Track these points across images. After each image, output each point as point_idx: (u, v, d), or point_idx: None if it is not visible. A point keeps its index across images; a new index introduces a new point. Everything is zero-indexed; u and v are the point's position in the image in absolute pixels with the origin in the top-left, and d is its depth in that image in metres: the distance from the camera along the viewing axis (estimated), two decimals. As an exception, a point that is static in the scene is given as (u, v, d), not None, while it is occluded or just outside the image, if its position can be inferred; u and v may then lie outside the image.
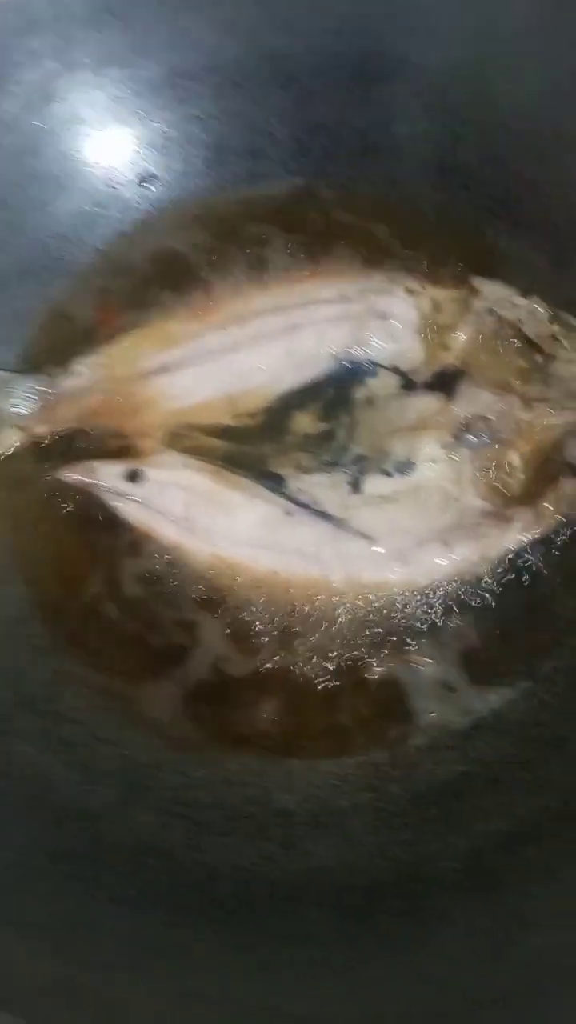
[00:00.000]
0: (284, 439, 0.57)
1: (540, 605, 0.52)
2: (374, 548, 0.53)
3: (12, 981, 0.36)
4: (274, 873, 0.44)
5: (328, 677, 0.51)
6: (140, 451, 0.57)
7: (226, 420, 0.58)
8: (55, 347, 0.60)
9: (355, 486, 0.55)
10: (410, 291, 0.58)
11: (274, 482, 0.55)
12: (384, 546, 0.53)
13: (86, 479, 0.55)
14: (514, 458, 0.54)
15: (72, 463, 0.56)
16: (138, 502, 0.55)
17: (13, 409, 0.57)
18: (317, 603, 0.53)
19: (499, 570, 0.52)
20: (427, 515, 0.53)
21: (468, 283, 0.58)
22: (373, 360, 0.58)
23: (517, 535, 0.52)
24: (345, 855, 0.45)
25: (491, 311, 0.56)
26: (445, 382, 0.56)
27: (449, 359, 0.57)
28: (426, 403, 0.56)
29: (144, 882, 0.42)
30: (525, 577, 0.53)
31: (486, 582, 0.52)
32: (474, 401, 0.55)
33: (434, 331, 0.58)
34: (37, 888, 0.42)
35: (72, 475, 0.55)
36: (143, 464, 0.56)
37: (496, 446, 0.54)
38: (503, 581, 0.52)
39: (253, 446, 0.57)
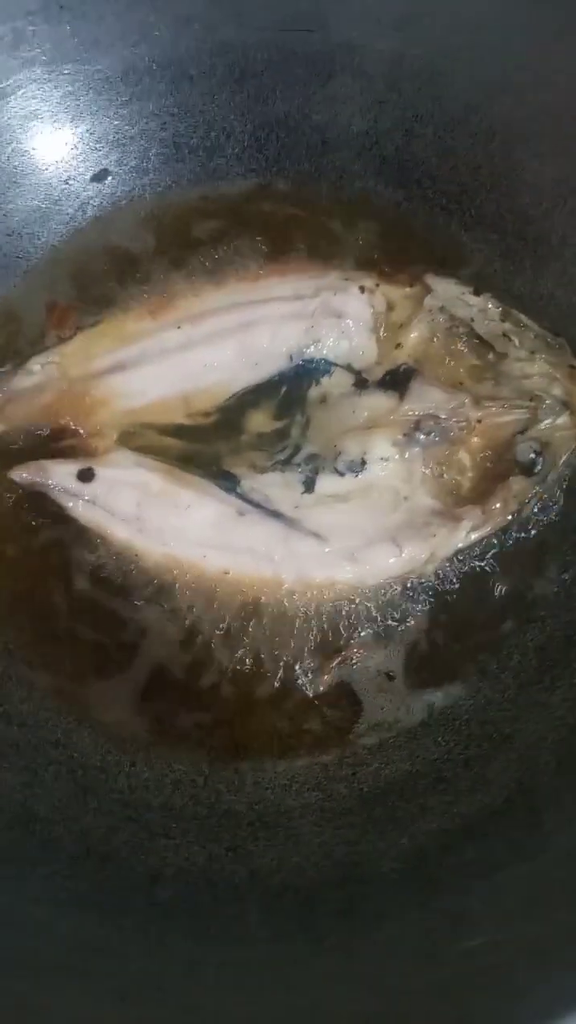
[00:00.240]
0: (238, 438, 0.57)
1: (488, 604, 0.52)
2: (325, 548, 0.53)
3: None
4: (217, 875, 0.44)
5: (278, 677, 0.51)
6: (93, 450, 0.57)
7: (180, 419, 0.58)
8: (7, 345, 0.59)
9: (308, 485, 0.55)
10: (364, 289, 0.58)
11: (228, 481, 0.55)
12: (335, 546, 0.53)
13: (37, 479, 0.55)
14: (464, 457, 0.54)
15: (23, 462, 0.55)
16: (90, 501, 0.55)
17: (-37, 409, 0.57)
18: (268, 603, 0.53)
19: (448, 569, 0.53)
20: (378, 514, 0.53)
21: (421, 280, 0.58)
22: (327, 359, 0.58)
23: (466, 534, 0.52)
24: (289, 856, 0.45)
25: (443, 309, 0.56)
26: (398, 381, 0.56)
27: (402, 357, 0.57)
28: (379, 402, 0.56)
29: (82, 884, 0.42)
30: (474, 576, 0.53)
31: (435, 581, 0.52)
32: (425, 399, 0.55)
33: (387, 329, 0.57)
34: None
35: (23, 474, 0.55)
36: (96, 463, 0.55)
37: (447, 445, 0.54)
38: (452, 580, 0.53)
39: (207, 445, 0.57)
